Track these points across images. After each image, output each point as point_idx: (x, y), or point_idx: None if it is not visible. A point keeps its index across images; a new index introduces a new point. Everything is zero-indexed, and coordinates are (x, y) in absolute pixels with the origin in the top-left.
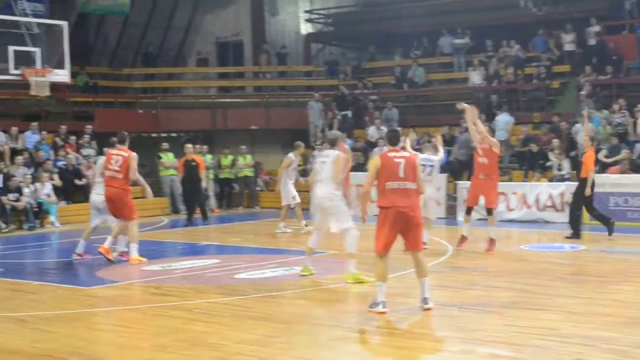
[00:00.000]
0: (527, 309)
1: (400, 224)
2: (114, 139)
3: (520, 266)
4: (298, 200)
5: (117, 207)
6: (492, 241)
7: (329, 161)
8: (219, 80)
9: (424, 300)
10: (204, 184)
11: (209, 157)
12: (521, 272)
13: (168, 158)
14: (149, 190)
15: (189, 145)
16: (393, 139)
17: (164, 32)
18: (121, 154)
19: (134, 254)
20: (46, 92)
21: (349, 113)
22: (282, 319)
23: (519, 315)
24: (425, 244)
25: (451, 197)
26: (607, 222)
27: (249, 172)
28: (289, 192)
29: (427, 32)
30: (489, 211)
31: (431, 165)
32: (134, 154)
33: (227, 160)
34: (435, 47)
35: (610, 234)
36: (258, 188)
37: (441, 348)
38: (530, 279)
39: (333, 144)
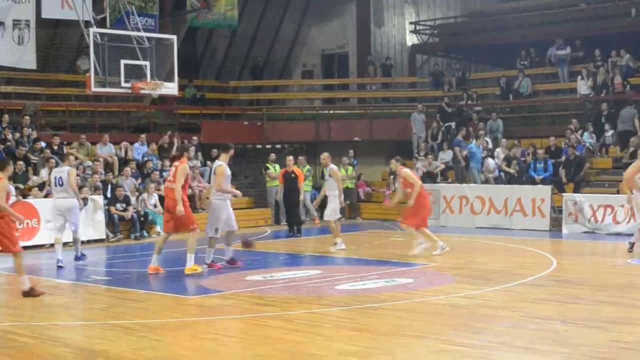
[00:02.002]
0: (633, 324)
1: None
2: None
3: (627, 280)
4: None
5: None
6: None
7: None
8: (323, 92)
9: None
10: (301, 197)
11: (306, 167)
12: (628, 287)
13: (275, 169)
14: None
15: (290, 157)
16: None
17: (270, 44)
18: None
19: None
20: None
21: (453, 124)
22: (383, 331)
23: (625, 331)
24: None
25: (555, 210)
26: None
27: (350, 184)
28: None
29: (535, 43)
30: None
31: None
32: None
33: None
34: (543, 58)
35: None
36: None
37: None
38: (637, 294)
39: None
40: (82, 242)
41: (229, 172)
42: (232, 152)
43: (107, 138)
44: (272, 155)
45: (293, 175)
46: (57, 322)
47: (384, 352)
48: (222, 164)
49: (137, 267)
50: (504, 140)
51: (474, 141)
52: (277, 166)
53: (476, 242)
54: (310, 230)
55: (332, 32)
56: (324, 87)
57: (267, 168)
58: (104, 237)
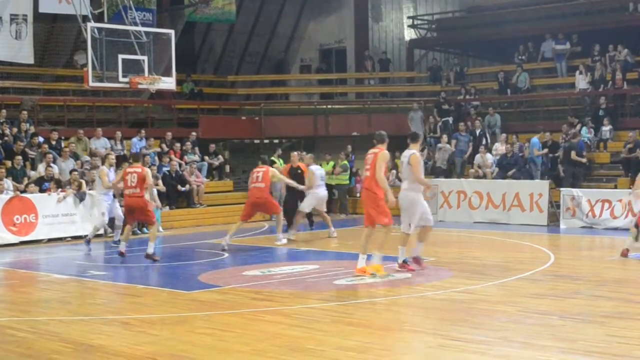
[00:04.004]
0: (631, 319)
1: None
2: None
3: (624, 275)
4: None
5: None
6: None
7: None
8: (321, 86)
9: None
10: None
11: None
12: (625, 281)
13: (280, 164)
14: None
15: (295, 153)
16: None
17: (268, 39)
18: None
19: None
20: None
21: (450, 119)
22: (380, 326)
23: (622, 326)
24: None
25: (553, 204)
26: None
27: (329, 179)
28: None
29: (532, 37)
30: None
31: None
32: None
33: (328, 167)
34: (541, 52)
35: None
36: (357, 195)
37: (541, 358)
38: (634, 289)
39: None
40: (80, 237)
41: (421, 161)
42: (421, 140)
43: (100, 132)
44: (279, 150)
45: (299, 171)
46: (55, 317)
47: (381, 347)
48: (415, 152)
49: (135, 262)
50: (502, 134)
51: (537, 135)
52: (282, 161)
53: (474, 237)
54: (304, 225)
55: (330, 26)
56: (322, 82)
57: (274, 162)
58: (102, 232)
